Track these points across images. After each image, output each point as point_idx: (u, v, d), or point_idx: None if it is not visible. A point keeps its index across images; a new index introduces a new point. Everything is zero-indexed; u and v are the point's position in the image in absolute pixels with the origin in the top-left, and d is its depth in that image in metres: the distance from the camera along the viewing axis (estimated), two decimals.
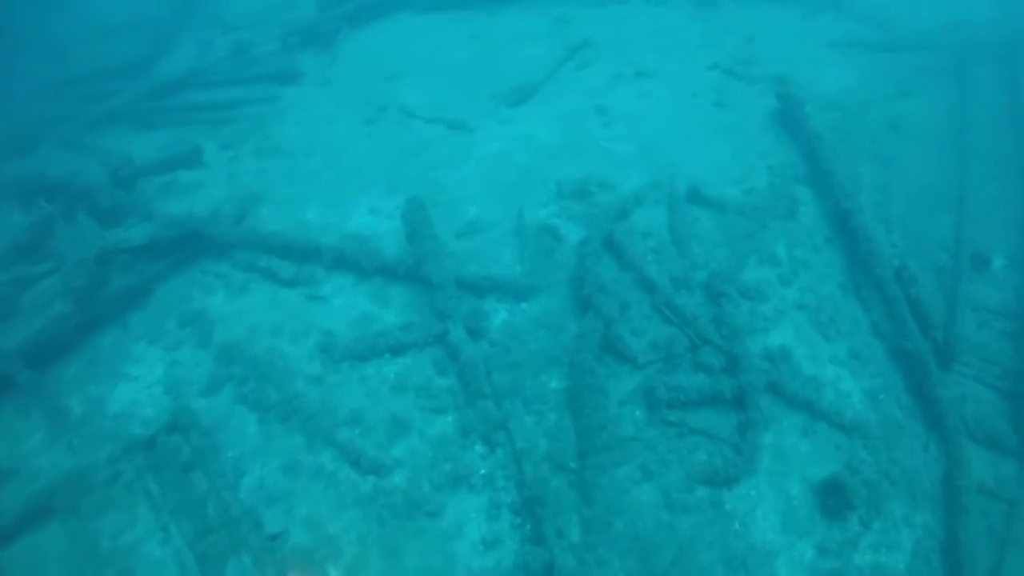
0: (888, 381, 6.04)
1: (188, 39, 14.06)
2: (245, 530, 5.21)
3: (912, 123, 9.03)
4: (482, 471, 5.53)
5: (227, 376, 6.40)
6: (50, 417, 6.23)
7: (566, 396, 5.93)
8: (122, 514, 5.44)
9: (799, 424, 5.72)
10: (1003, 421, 5.79)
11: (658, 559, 4.98)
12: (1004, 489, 5.41)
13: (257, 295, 7.20)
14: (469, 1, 13.28)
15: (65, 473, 5.70)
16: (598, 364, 5.99)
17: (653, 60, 10.86)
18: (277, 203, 8.43)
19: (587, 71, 10.80)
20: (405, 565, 5.05)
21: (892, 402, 5.89)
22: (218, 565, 5.09)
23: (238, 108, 10.76)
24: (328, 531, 5.26)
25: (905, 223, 7.45)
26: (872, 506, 5.22)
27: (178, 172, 9.13)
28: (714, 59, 10.77)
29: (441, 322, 6.45)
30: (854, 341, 6.32)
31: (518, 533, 5.17)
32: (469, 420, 5.81)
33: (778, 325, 6.43)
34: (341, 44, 12.48)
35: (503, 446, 5.62)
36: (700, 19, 12.28)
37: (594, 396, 5.73)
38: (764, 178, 8.10)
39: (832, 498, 5.22)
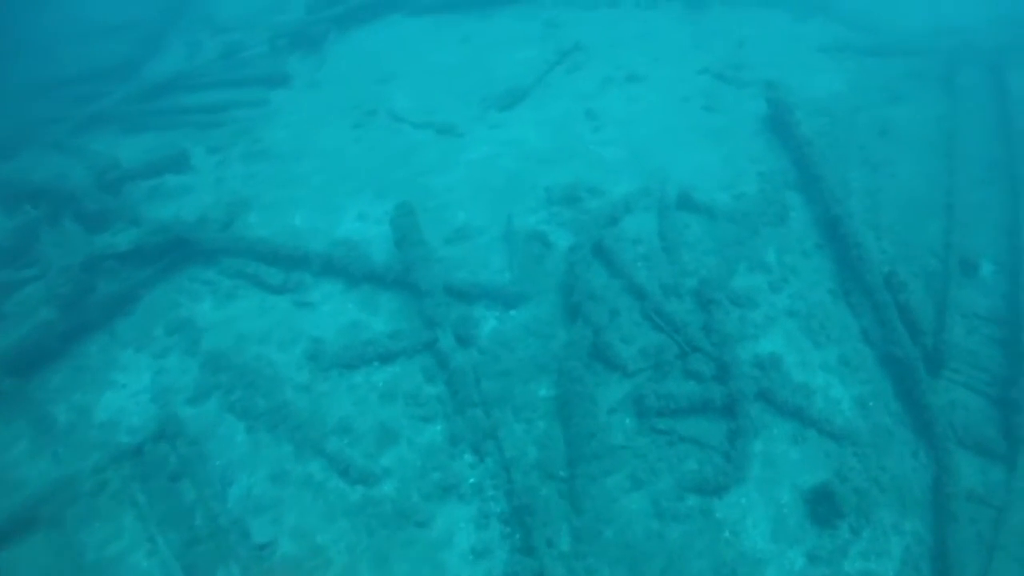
0: (878, 388, 6.05)
1: (177, 41, 13.98)
2: (233, 540, 5.16)
3: (901, 128, 9.05)
4: (471, 480, 5.50)
5: (215, 384, 6.35)
6: (35, 426, 6.16)
7: (555, 404, 5.90)
8: (108, 524, 5.38)
9: (789, 432, 5.71)
10: (992, 427, 5.79)
11: (648, 568, 4.96)
12: (992, 495, 5.41)
13: (245, 302, 7.15)
14: (459, 4, 13.26)
15: (50, 483, 5.62)
16: (588, 372, 5.98)
17: (643, 64, 10.86)
18: (265, 208, 8.38)
19: (577, 75, 10.80)
20: (394, 575, 5.01)
21: (882, 409, 5.89)
22: None
23: (226, 111, 10.70)
24: (317, 541, 5.22)
25: (895, 229, 7.46)
26: (862, 514, 5.22)
27: (165, 176, 9.04)
28: (704, 63, 10.78)
29: (430, 330, 6.42)
30: (844, 348, 6.32)
31: (508, 543, 5.14)
32: (458, 429, 5.78)
33: (768, 332, 6.42)
34: (330, 47, 12.44)
35: (492, 455, 5.60)
36: (690, 23, 12.29)
37: (584, 404, 5.71)
38: (754, 183, 8.10)
39: (822, 506, 5.21)
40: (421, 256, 6.88)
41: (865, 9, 12.33)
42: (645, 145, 8.94)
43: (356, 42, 12.65)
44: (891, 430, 5.75)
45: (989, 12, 11.90)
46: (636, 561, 4.99)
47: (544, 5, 13.10)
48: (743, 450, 5.48)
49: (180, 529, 5.30)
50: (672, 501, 5.28)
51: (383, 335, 6.56)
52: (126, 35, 13.92)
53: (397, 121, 9.93)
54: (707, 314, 6.38)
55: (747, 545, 5.09)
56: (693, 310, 6.52)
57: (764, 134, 8.97)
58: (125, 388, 6.47)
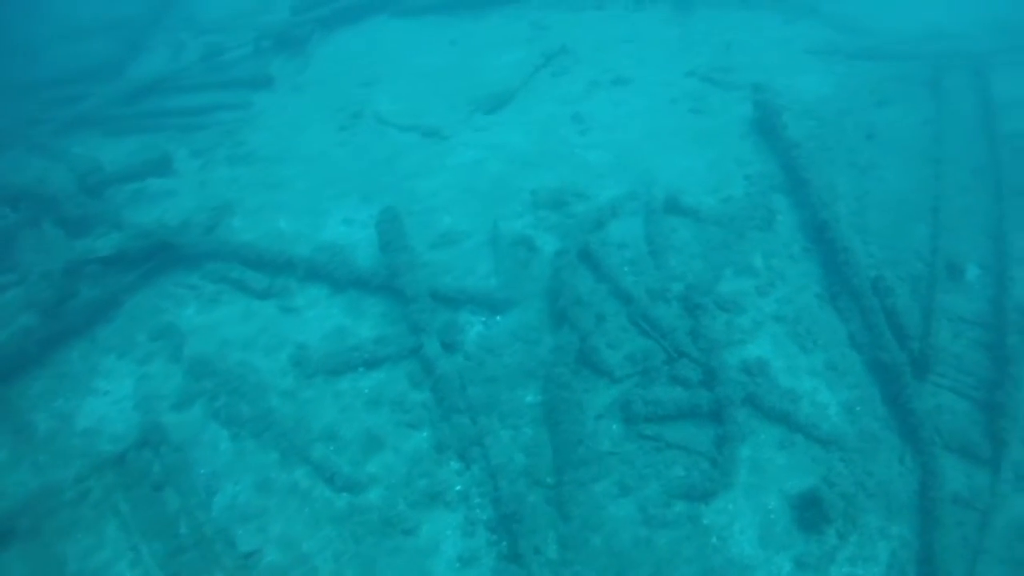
0: (865, 393, 6.04)
1: (160, 41, 13.88)
2: (218, 549, 5.10)
3: (888, 132, 9.08)
4: (457, 487, 5.46)
5: (199, 391, 6.29)
6: (14, 434, 6.08)
7: (542, 410, 5.87)
8: (89, 535, 5.30)
9: (776, 437, 5.70)
10: (977, 431, 5.80)
11: (636, 575, 4.94)
12: (977, 499, 5.42)
13: (229, 307, 7.09)
14: (446, 5, 13.22)
15: (29, 493, 5.55)
16: (574, 378, 5.96)
17: (630, 66, 10.86)
18: (249, 212, 8.32)
19: (564, 77, 10.79)
20: None
21: (869, 414, 5.89)
22: None
23: (210, 114, 10.65)
24: (303, 549, 5.17)
25: (881, 232, 7.47)
26: (849, 519, 5.21)
27: (148, 180, 8.96)
28: (692, 66, 10.80)
29: (416, 335, 6.38)
30: (831, 352, 6.32)
31: (494, 550, 5.10)
32: (444, 435, 5.75)
33: (755, 337, 6.42)
34: (315, 48, 12.40)
35: (479, 462, 5.56)
36: (678, 25, 12.32)
37: (571, 410, 5.68)
38: (741, 187, 8.11)
39: (809, 511, 5.20)
40: (406, 261, 6.84)
41: (853, 12, 12.39)
42: (632, 148, 8.93)
43: (341, 44, 12.60)
44: (878, 435, 5.75)
45: (977, 17, 11.98)
46: (624, 568, 4.96)
47: (531, 7, 13.11)
48: (730, 456, 5.46)
49: (164, 539, 5.23)
50: (659, 508, 5.26)
51: (368, 341, 6.52)
52: (109, 36, 13.83)
53: (382, 124, 9.89)
54: (694, 319, 6.38)
55: (735, 551, 5.07)
56: (680, 315, 6.51)
57: (751, 137, 8.98)
58: (107, 395, 6.40)
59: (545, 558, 4.99)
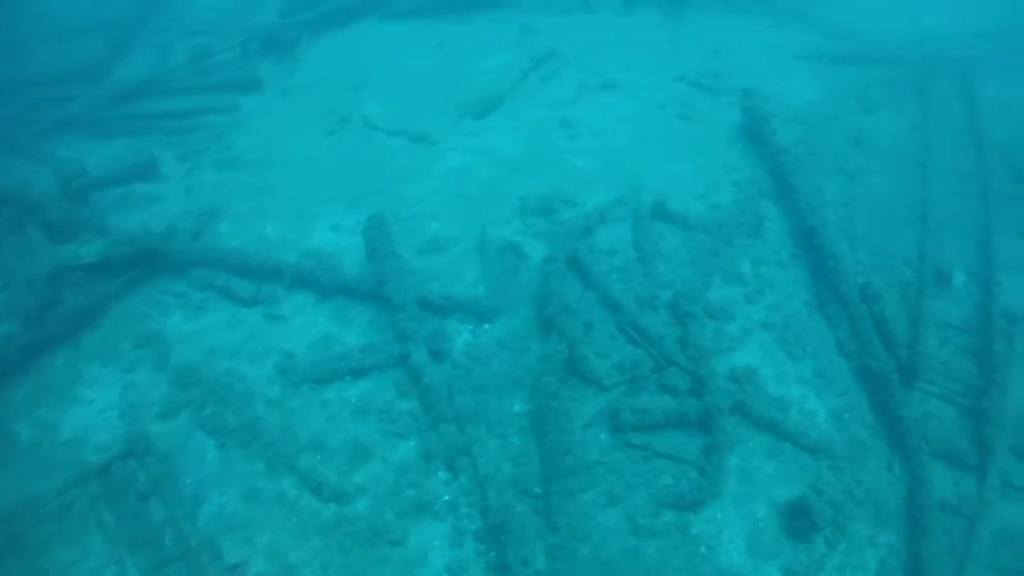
0: (853, 400, 6.05)
1: (147, 43, 13.73)
2: (204, 561, 5.06)
3: (876, 137, 9.11)
4: (445, 497, 5.44)
5: (185, 399, 6.24)
6: None
7: (530, 420, 5.86)
8: (73, 547, 5.24)
9: (765, 445, 5.70)
10: (964, 438, 5.82)
11: None
12: (964, 506, 5.43)
13: (215, 315, 7.04)
14: (435, 9, 13.17)
15: (11, 504, 5.46)
16: (562, 387, 5.94)
17: (619, 71, 10.85)
18: (236, 218, 8.27)
19: (552, 82, 10.76)
20: None
21: (857, 421, 5.90)
22: None
23: (196, 117, 10.57)
24: (290, 560, 5.13)
25: (869, 239, 7.49)
26: (837, 527, 5.22)
27: (134, 184, 8.88)
28: (681, 70, 10.79)
29: (403, 344, 6.35)
30: (819, 360, 6.33)
31: (482, 560, 5.08)
32: (432, 445, 5.72)
33: (744, 345, 6.42)
34: (303, 51, 12.33)
35: (467, 471, 5.54)
36: (667, 29, 12.31)
37: (559, 420, 5.67)
38: (730, 193, 8.11)
39: (798, 520, 5.20)
40: (394, 269, 6.81)
41: (842, 16, 12.43)
42: (620, 154, 8.92)
43: (330, 47, 12.54)
44: (866, 442, 5.76)
45: (965, 23, 12.04)
46: None
47: (520, 10, 13.08)
48: (719, 464, 5.46)
49: (149, 550, 5.18)
50: (648, 517, 5.25)
51: (355, 349, 6.49)
52: (95, 37, 13.68)
53: (370, 128, 9.84)
54: (682, 327, 6.37)
55: (723, 560, 5.07)
56: (668, 323, 6.51)
57: (740, 143, 8.98)
58: (92, 404, 6.34)
59: (533, 569, 4.98)
